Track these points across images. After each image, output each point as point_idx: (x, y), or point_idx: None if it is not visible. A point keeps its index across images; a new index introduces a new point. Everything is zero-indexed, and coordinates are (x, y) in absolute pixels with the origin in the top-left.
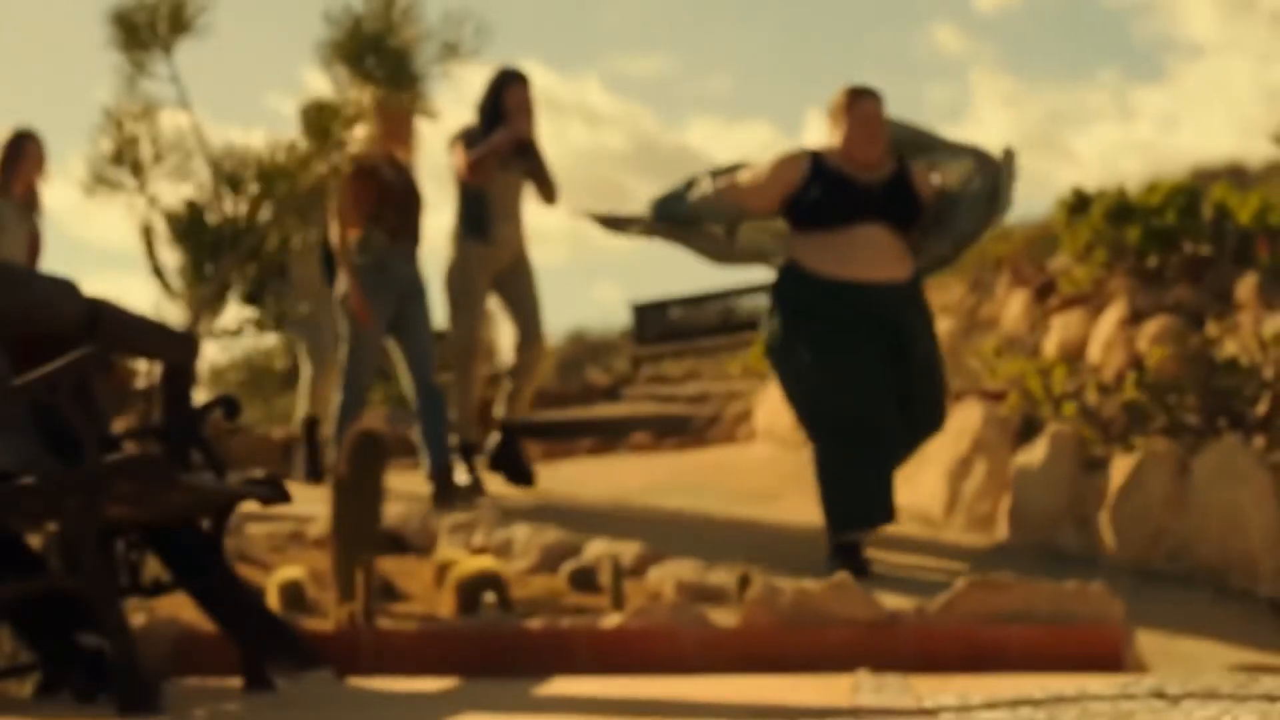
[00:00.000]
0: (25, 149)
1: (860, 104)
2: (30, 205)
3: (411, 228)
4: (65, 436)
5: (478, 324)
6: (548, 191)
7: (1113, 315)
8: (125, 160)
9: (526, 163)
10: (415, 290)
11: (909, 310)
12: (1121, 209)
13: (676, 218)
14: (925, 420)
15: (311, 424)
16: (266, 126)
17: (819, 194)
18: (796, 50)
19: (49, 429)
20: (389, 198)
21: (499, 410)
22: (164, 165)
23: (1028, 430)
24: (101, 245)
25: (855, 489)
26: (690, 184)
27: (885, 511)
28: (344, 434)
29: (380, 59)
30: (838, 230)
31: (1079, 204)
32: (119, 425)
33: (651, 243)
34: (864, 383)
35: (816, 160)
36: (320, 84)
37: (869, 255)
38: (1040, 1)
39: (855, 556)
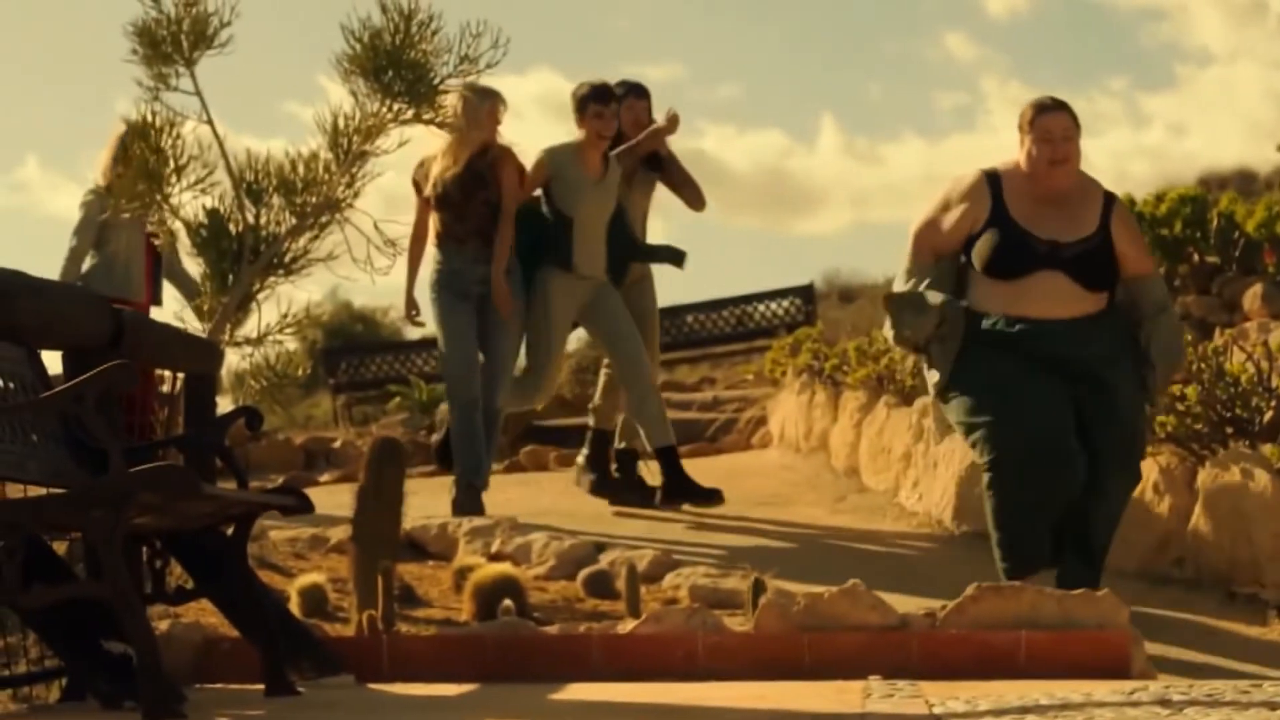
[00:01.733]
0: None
1: (1042, 120)
2: None
3: (474, 227)
4: (90, 444)
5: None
6: (694, 196)
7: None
8: (148, 172)
9: (665, 175)
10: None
11: (1091, 348)
12: None
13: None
14: (1112, 466)
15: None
16: (284, 134)
17: (995, 243)
18: (808, 57)
19: (75, 439)
20: (441, 205)
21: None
22: (186, 177)
23: None
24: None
25: (1021, 533)
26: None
27: (1044, 558)
28: (463, 439)
29: (399, 72)
30: (1014, 280)
31: None
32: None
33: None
34: (1038, 417)
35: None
36: (338, 94)
37: (1044, 299)
38: (1051, 9)
39: None
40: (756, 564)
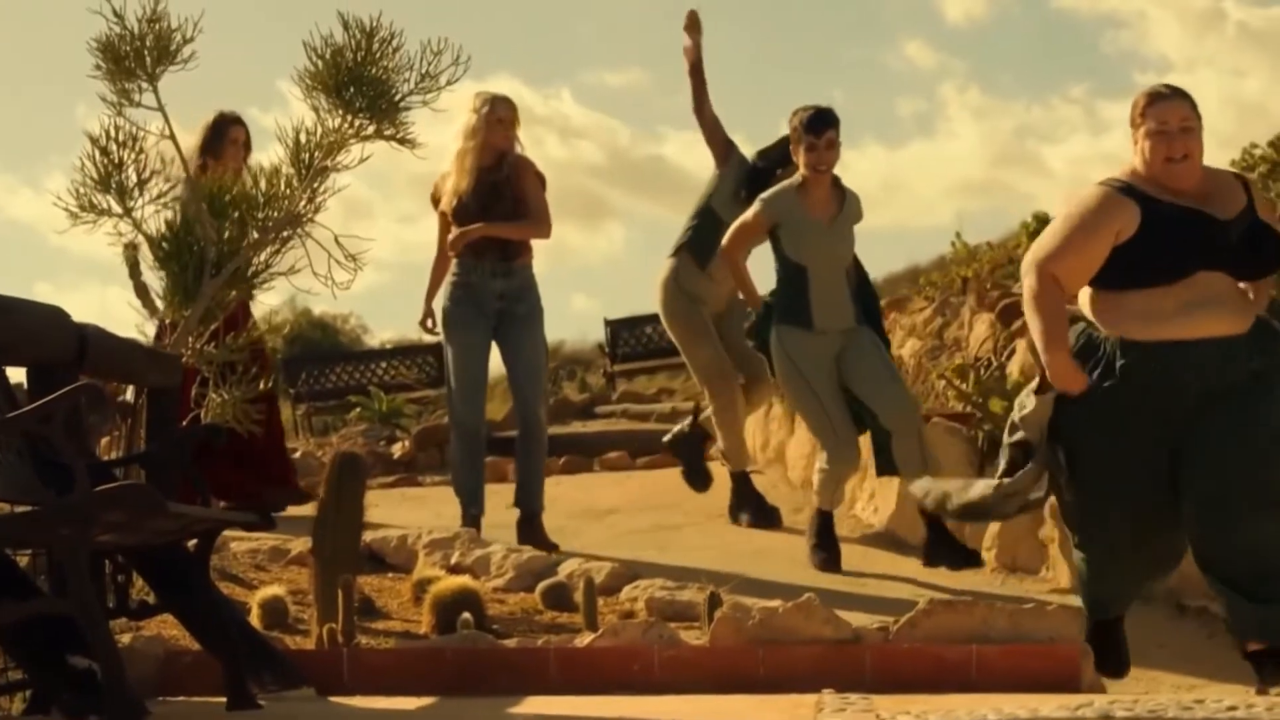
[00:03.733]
0: (228, 133)
1: (1156, 110)
2: None
3: (491, 240)
4: (56, 462)
5: (715, 347)
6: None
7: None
8: (110, 186)
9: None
10: (514, 308)
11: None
12: None
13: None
14: (1205, 524)
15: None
16: None
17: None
18: (768, 64)
19: (39, 455)
20: (459, 216)
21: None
22: (149, 191)
23: (992, 451)
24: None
25: (1104, 583)
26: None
27: (1125, 604)
28: (463, 466)
29: (360, 89)
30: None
31: (1041, 229)
32: (106, 448)
33: (627, 255)
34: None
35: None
36: (298, 105)
37: (1204, 309)
38: (1010, 17)
39: (1104, 635)
40: (713, 577)
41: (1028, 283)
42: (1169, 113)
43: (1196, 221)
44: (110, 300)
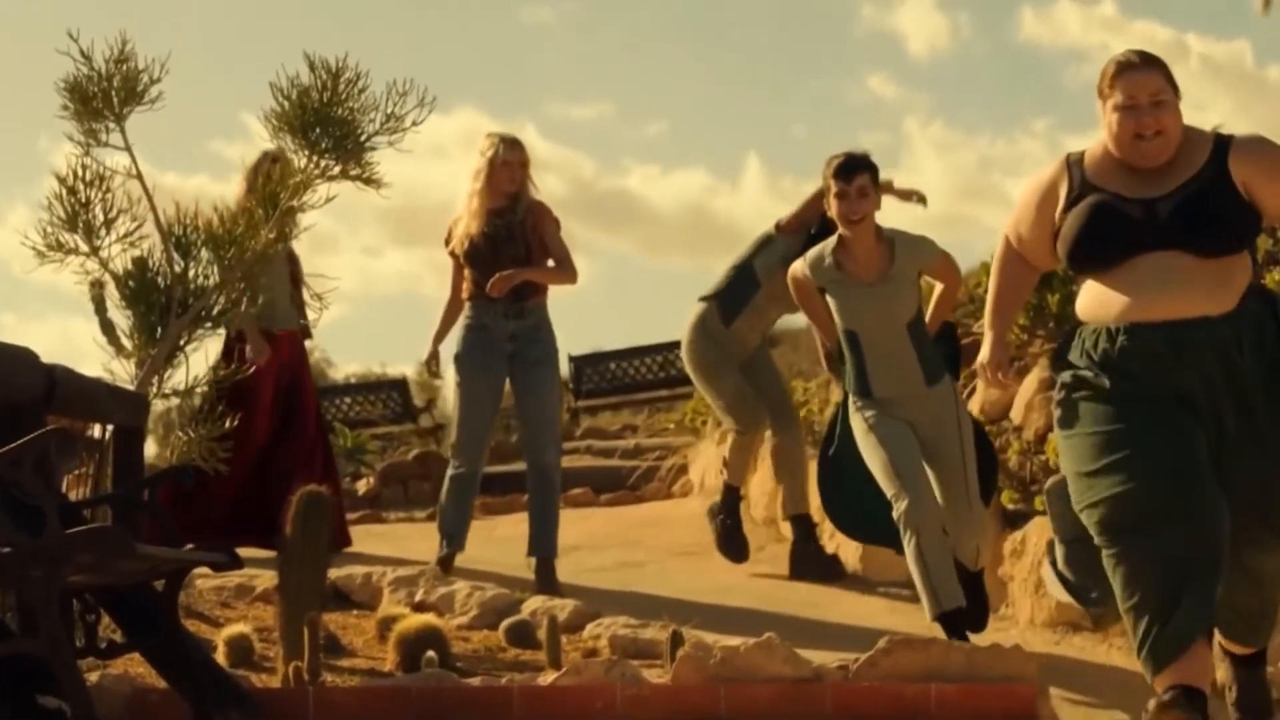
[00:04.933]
0: (268, 169)
1: (1124, 82)
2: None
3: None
4: (24, 503)
5: (736, 377)
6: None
7: (1034, 377)
8: (78, 225)
9: None
10: (528, 350)
11: (1230, 365)
12: (1042, 275)
13: None
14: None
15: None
16: (207, 171)
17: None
18: (733, 97)
19: (8, 496)
20: (471, 258)
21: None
22: (115, 230)
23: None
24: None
25: (1158, 615)
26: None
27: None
28: (450, 507)
29: (326, 129)
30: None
31: None
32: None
33: (591, 290)
34: (1157, 471)
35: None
36: (263, 143)
37: (1152, 293)
38: (973, 51)
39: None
40: (675, 614)
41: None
42: (1138, 86)
43: (1117, 207)
44: (74, 331)
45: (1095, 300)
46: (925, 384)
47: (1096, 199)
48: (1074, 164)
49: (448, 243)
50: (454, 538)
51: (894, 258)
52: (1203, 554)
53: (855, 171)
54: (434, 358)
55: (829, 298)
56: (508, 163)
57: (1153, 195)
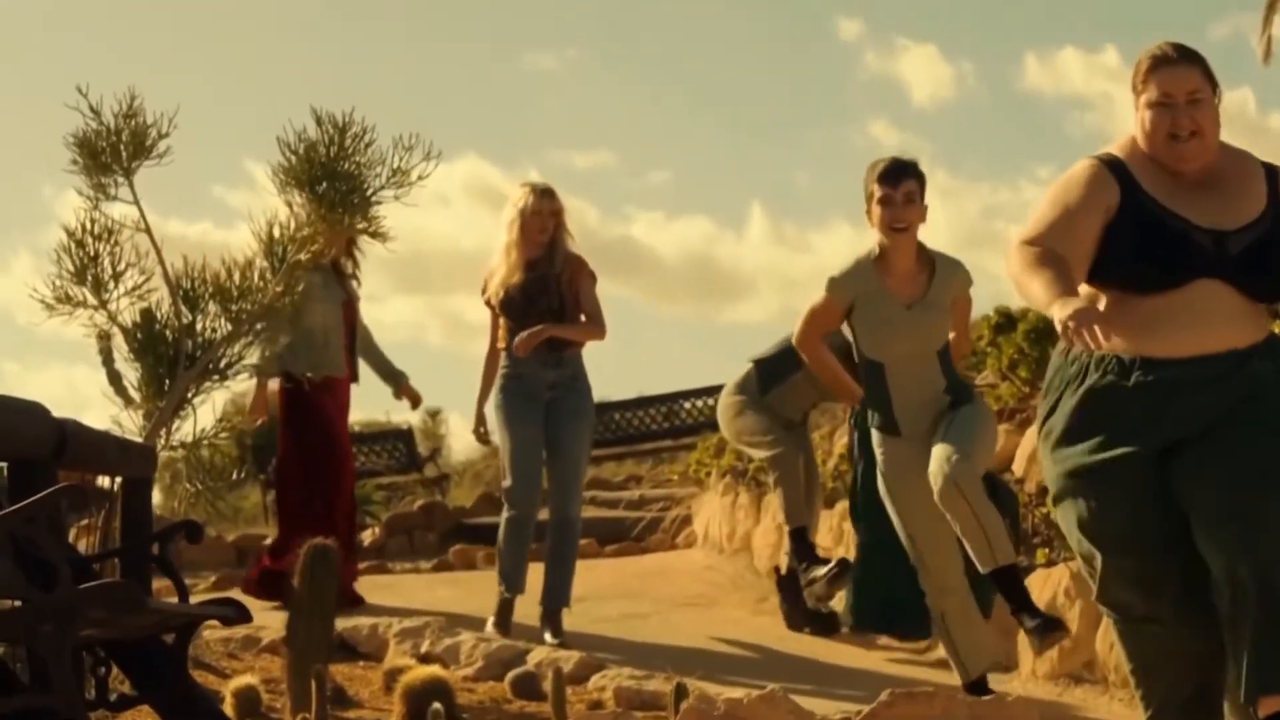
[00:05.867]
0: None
1: (1158, 78)
2: (340, 273)
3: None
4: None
5: (766, 411)
6: None
7: (1035, 431)
8: (86, 279)
9: None
10: (565, 399)
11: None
12: (1045, 329)
13: None
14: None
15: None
16: (210, 218)
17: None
18: (736, 145)
19: (18, 549)
20: (506, 308)
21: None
22: (124, 283)
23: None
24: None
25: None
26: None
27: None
28: (508, 551)
29: (333, 184)
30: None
31: (1005, 322)
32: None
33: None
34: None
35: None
36: (265, 186)
37: (1201, 324)
38: (976, 99)
39: None
40: (680, 666)
41: (1006, 270)
42: (1174, 82)
43: (1187, 234)
44: (77, 379)
45: (1119, 325)
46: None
47: (1167, 222)
48: (1114, 167)
49: (484, 293)
50: (512, 580)
51: (933, 279)
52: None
53: (902, 176)
54: (482, 423)
55: (853, 322)
56: (538, 212)
57: (1224, 228)
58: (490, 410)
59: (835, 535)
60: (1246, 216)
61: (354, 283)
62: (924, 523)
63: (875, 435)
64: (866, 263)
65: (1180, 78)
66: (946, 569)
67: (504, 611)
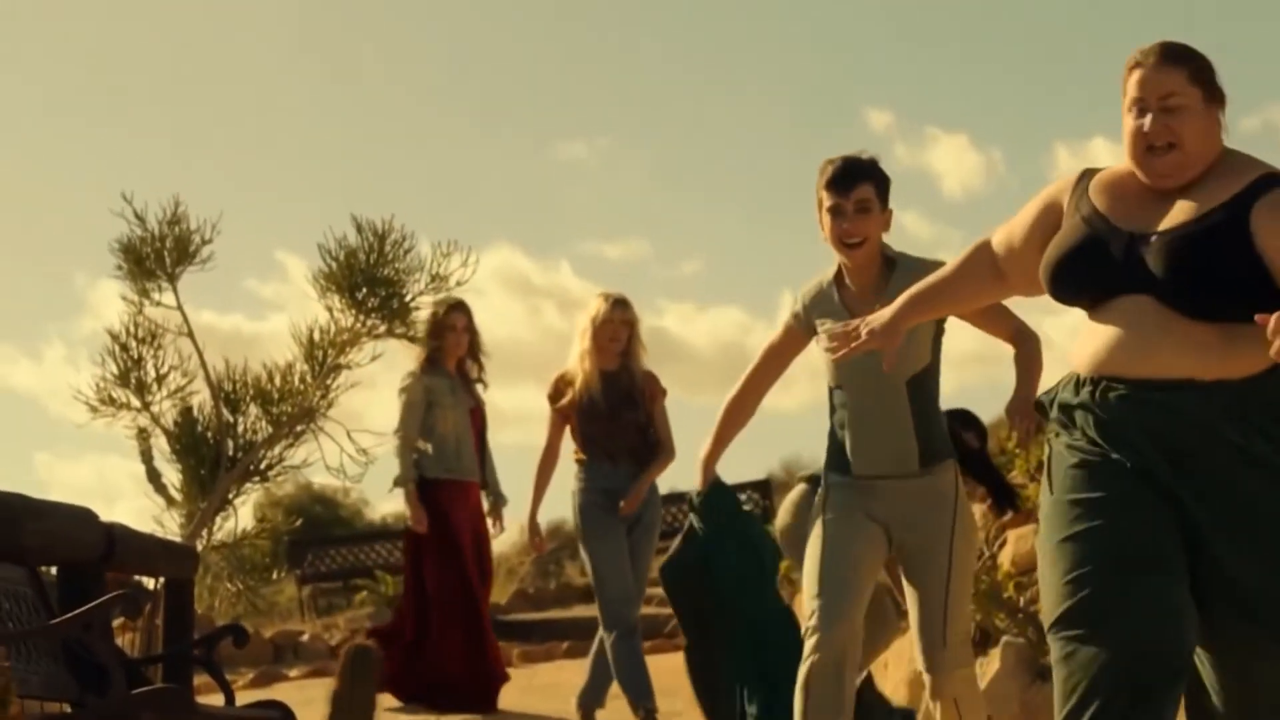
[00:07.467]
0: (449, 322)
1: (1134, 79)
2: (466, 377)
3: (627, 445)
4: (87, 660)
5: None
6: None
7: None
8: (130, 381)
9: None
10: (644, 514)
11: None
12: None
13: None
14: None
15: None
16: (241, 311)
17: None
18: (767, 234)
19: (71, 652)
20: (588, 416)
21: None
22: (167, 385)
23: (983, 640)
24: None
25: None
26: None
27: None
28: (627, 673)
29: (373, 289)
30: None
31: None
32: (125, 637)
33: None
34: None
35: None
36: (298, 276)
37: (1129, 342)
38: (1006, 189)
39: None
40: None
41: None
42: (1147, 83)
43: (1104, 237)
44: (109, 470)
45: (1078, 341)
46: (919, 464)
47: (1085, 221)
48: (1082, 177)
49: (553, 399)
50: (646, 690)
51: (888, 288)
52: (1152, 663)
53: (855, 181)
54: (537, 532)
55: (818, 345)
56: (609, 321)
57: (1145, 229)
58: (577, 520)
59: None
60: (1181, 216)
61: (480, 386)
62: (827, 580)
63: (825, 475)
64: (826, 281)
65: (1155, 80)
66: (827, 632)
67: None
